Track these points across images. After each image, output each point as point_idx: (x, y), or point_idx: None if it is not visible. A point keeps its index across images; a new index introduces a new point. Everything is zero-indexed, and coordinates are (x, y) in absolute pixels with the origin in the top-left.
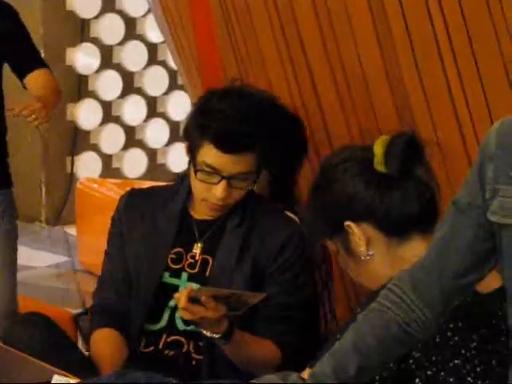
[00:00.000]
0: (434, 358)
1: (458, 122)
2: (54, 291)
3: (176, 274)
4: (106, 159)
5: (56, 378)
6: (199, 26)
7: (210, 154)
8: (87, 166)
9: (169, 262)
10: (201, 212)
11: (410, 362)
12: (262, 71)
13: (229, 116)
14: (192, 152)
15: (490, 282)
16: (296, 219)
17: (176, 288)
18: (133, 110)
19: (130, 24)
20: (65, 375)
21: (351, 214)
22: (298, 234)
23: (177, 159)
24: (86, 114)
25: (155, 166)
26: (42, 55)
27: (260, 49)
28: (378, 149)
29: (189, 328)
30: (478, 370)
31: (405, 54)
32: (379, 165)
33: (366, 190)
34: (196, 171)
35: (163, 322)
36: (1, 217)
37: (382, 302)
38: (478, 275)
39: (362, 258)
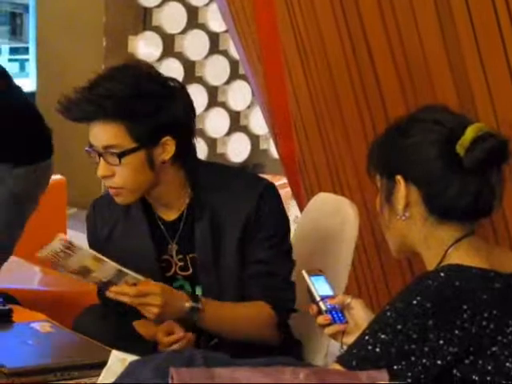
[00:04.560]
0: (471, 349)
1: None
2: None
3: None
4: None
5: (114, 353)
6: (262, 15)
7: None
8: None
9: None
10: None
11: (448, 358)
12: (324, 60)
13: (81, 89)
14: None
15: None
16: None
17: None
18: (193, 98)
19: (193, 13)
20: None
21: (407, 171)
22: (264, 190)
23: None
24: None
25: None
26: (104, 43)
27: (322, 38)
28: (470, 133)
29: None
30: None
31: (466, 37)
32: (461, 147)
33: (435, 161)
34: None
35: None
36: None
37: None
38: None
39: (397, 216)
